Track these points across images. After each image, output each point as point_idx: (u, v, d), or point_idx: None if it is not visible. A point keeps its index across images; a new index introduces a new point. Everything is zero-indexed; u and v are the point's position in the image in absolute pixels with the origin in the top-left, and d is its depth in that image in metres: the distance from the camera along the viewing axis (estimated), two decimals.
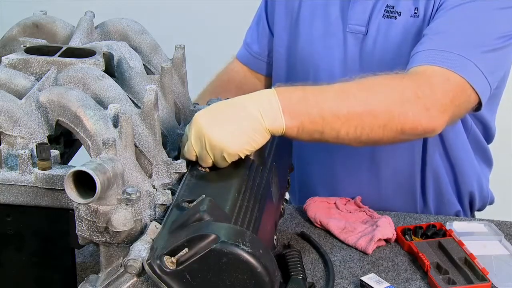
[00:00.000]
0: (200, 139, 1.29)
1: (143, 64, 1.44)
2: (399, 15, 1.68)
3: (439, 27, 1.57)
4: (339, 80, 1.43)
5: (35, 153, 1.23)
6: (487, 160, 1.89)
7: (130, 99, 1.34)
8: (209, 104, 1.54)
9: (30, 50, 1.37)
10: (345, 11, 1.74)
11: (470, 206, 1.86)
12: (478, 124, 1.81)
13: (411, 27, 1.67)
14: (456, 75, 1.45)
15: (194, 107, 1.49)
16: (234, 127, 1.29)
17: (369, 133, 1.38)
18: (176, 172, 1.30)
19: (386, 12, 1.70)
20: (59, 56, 1.35)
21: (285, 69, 1.87)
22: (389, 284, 1.41)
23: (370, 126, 1.37)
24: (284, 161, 1.55)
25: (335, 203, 1.66)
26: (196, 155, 1.31)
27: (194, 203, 1.20)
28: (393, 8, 1.69)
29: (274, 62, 1.90)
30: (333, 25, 1.76)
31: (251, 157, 1.35)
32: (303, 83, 1.43)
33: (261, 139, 1.31)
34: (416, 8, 1.66)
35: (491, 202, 1.91)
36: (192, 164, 1.33)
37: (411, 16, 1.67)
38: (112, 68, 1.38)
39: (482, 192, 1.87)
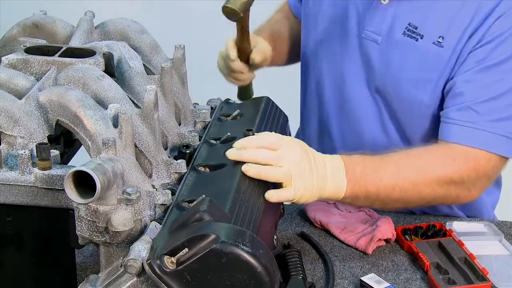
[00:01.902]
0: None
1: (143, 64, 1.44)
2: (421, 38, 1.60)
3: (481, 91, 1.54)
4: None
5: (35, 153, 1.23)
6: (497, 181, 1.85)
7: (130, 99, 1.34)
8: (208, 104, 1.54)
9: (30, 50, 1.37)
10: (363, 15, 1.67)
11: None
12: None
13: (431, 55, 1.60)
14: (498, 156, 1.54)
15: (194, 107, 1.49)
16: (313, 179, 1.36)
17: (412, 206, 1.62)
18: (176, 172, 1.30)
19: (407, 31, 1.61)
20: (59, 56, 1.35)
21: (312, 35, 1.81)
22: (389, 284, 1.41)
23: (415, 203, 1.54)
24: None
25: (335, 203, 1.66)
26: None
27: (194, 203, 1.20)
28: (415, 29, 1.61)
29: (302, 22, 1.84)
30: (349, 27, 1.70)
31: None
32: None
33: (317, 197, 1.39)
34: (441, 37, 1.58)
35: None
36: (192, 164, 1.33)
37: (433, 43, 1.59)
38: (112, 68, 1.37)
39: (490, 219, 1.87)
